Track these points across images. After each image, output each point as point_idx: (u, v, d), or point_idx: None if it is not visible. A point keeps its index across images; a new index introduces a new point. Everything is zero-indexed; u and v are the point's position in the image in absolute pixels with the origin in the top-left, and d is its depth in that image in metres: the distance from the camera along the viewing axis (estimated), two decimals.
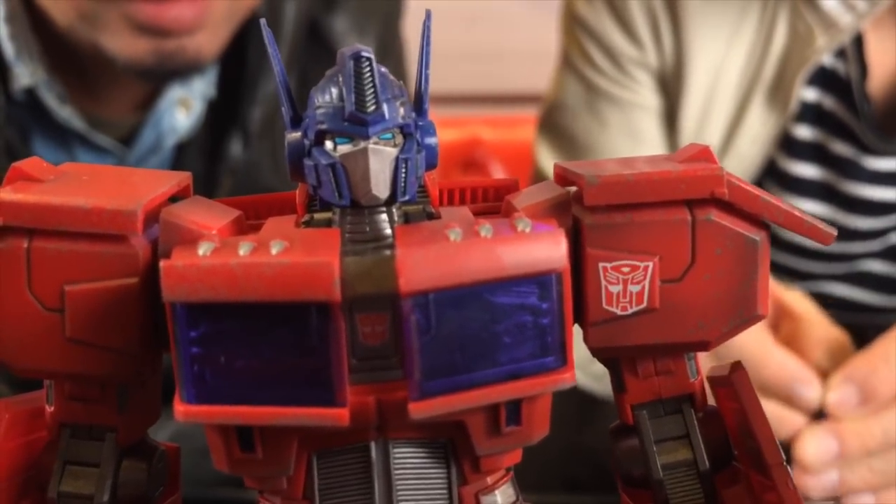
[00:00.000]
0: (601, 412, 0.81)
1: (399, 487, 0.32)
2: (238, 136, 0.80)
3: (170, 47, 0.70)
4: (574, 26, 0.89)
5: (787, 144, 0.85)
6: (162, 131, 0.77)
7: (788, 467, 0.34)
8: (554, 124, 0.91)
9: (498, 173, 1.46)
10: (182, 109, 0.78)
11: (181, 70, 0.73)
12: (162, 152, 0.78)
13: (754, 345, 0.65)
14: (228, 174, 0.79)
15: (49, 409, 0.34)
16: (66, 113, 0.75)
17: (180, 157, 0.80)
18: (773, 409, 0.65)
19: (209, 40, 0.72)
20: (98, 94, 0.76)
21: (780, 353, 0.66)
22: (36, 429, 0.35)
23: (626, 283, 0.32)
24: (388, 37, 0.90)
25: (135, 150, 0.78)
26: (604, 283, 0.32)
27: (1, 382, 0.65)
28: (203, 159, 0.80)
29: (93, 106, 0.77)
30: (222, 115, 0.80)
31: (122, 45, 0.70)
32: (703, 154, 0.34)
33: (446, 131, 1.43)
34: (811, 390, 0.65)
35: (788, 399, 0.65)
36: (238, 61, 0.79)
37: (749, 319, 0.33)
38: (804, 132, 0.85)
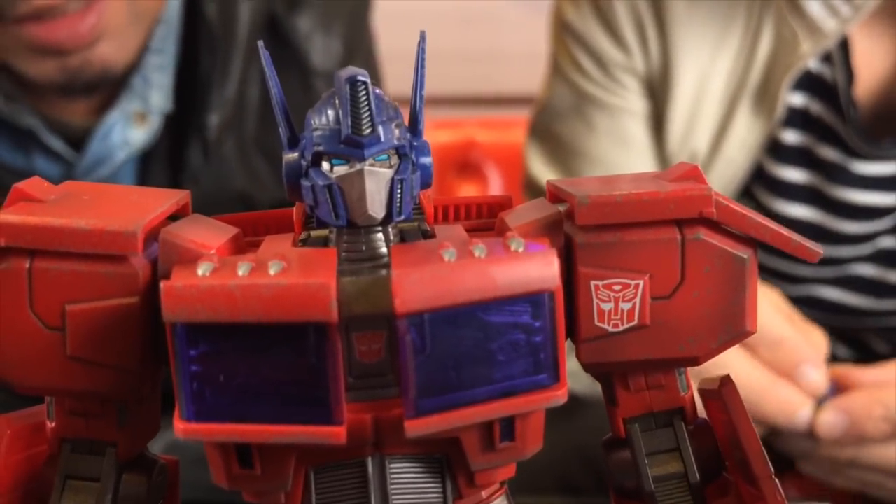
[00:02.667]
0: (596, 414, 0.81)
1: (395, 502, 0.32)
2: (197, 144, 0.79)
3: (75, 63, 0.70)
4: (563, 32, 0.90)
5: (775, 149, 0.86)
6: (111, 144, 0.76)
7: (776, 480, 0.34)
8: (544, 129, 0.92)
9: (493, 175, 1.46)
10: (139, 123, 0.77)
11: (96, 82, 0.73)
12: (111, 163, 0.77)
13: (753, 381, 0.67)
14: (192, 182, 0.78)
15: (50, 424, 0.35)
16: (11, 109, 0.74)
17: (146, 167, 0.79)
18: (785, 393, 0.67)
19: (114, 49, 0.71)
20: (50, 95, 0.74)
21: (776, 386, 0.68)
22: (37, 443, 0.36)
23: (617, 301, 0.33)
24: (355, 35, 0.89)
25: (84, 159, 0.77)
26: (595, 300, 0.33)
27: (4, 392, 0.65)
28: (167, 170, 0.79)
29: (47, 106, 0.75)
30: (180, 123, 0.79)
31: (29, 66, 0.70)
32: (692, 173, 0.34)
33: (441, 133, 1.44)
34: (817, 375, 0.67)
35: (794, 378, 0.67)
36: (192, 70, 0.78)
37: (737, 335, 0.34)
38: (791, 137, 0.85)
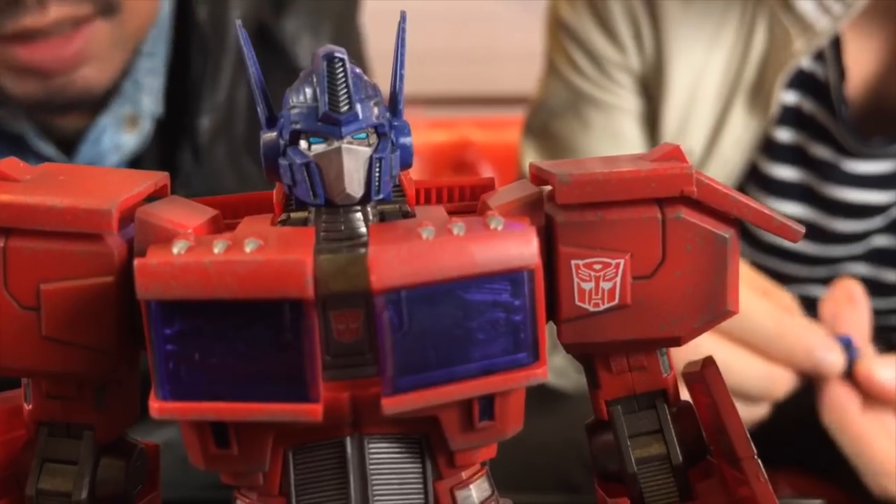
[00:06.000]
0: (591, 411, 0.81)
1: (374, 482, 0.32)
2: (188, 147, 0.79)
3: (56, 84, 0.69)
4: (558, 30, 0.90)
5: (768, 147, 0.85)
6: (102, 148, 0.76)
7: (759, 461, 0.34)
8: (539, 127, 0.92)
9: (488, 175, 1.46)
10: (129, 128, 0.76)
11: (76, 102, 0.72)
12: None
13: (768, 320, 0.67)
14: (181, 186, 0.78)
15: (27, 407, 0.35)
16: (1, 114, 0.73)
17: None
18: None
19: (97, 72, 0.71)
20: (30, 109, 0.73)
21: (794, 323, 0.68)
22: (14, 427, 0.36)
23: (598, 280, 0.33)
24: (344, 34, 0.89)
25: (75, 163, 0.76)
26: (576, 280, 0.33)
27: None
28: None
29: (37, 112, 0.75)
30: (171, 127, 0.79)
31: (11, 83, 0.69)
32: (673, 153, 0.34)
33: (436, 133, 1.44)
34: (834, 356, 0.67)
35: (814, 367, 0.67)
36: (183, 74, 0.78)
37: (720, 315, 0.34)
38: (784, 135, 0.85)
